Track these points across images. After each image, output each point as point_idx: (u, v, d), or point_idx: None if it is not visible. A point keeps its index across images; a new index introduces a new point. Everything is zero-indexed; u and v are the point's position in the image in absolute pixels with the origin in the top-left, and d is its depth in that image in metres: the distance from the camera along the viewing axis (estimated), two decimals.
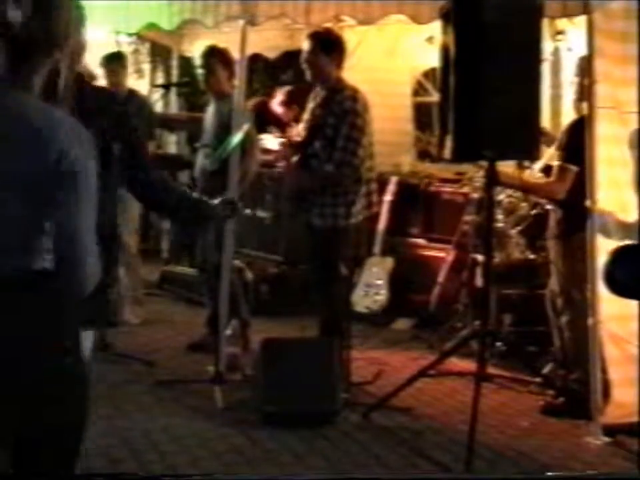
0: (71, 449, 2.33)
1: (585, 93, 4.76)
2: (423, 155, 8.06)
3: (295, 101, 7.60)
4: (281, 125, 7.24)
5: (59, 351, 2.28)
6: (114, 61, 6.83)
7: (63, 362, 2.27)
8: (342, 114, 5.31)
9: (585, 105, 4.81)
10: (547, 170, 5.29)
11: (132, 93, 7.00)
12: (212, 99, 6.16)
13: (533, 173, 5.43)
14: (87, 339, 3.18)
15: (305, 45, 5.44)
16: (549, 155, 5.29)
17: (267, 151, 7.02)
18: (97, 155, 2.32)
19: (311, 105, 5.57)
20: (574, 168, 4.88)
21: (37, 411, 2.23)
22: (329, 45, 5.40)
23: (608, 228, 4.68)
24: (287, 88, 7.94)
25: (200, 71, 6.05)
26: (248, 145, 5.72)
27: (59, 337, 2.29)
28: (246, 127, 5.44)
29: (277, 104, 7.71)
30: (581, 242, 4.72)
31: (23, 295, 2.25)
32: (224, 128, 5.70)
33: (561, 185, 4.97)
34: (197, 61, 6.07)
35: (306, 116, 5.60)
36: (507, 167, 5.16)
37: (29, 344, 2.23)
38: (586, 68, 4.74)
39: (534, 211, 5.98)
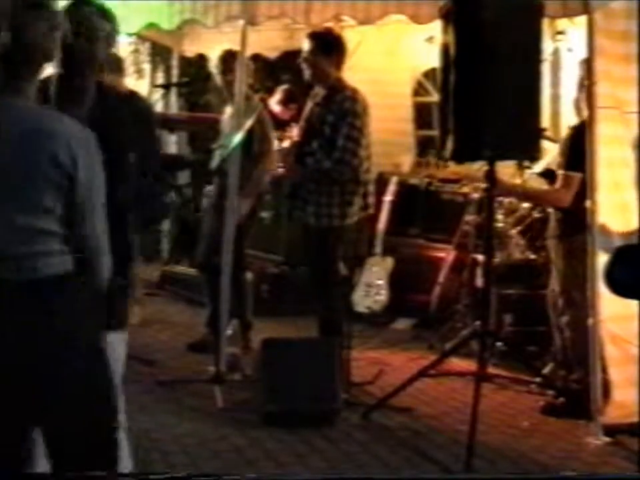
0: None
1: (586, 92, 4.76)
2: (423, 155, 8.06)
3: (293, 101, 7.60)
4: (279, 124, 7.23)
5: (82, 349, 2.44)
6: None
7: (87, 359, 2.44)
8: (341, 114, 5.31)
9: (584, 104, 4.80)
10: (546, 174, 5.26)
11: (132, 94, 6.95)
12: (228, 101, 6.12)
13: (532, 177, 5.41)
14: (120, 342, 3.18)
15: (305, 45, 5.45)
16: (550, 157, 5.27)
17: None
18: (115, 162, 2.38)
19: (309, 104, 5.57)
20: (578, 175, 4.82)
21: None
22: (328, 45, 5.40)
23: (608, 231, 4.67)
24: (285, 87, 7.93)
25: (218, 75, 6.03)
26: (264, 144, 5.77)
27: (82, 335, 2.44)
28: (254, 117, 5.46)
29: (275, 103, 7.70)
30: (582, 242, 4.71)
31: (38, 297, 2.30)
32: None
33: (566, 193, 4.89)
34: (214, 65, 6.06)
35: (304, 114, 5.60)
36: (506, 167, 5.15)
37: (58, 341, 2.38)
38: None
39: (534, 212, 5.98)
